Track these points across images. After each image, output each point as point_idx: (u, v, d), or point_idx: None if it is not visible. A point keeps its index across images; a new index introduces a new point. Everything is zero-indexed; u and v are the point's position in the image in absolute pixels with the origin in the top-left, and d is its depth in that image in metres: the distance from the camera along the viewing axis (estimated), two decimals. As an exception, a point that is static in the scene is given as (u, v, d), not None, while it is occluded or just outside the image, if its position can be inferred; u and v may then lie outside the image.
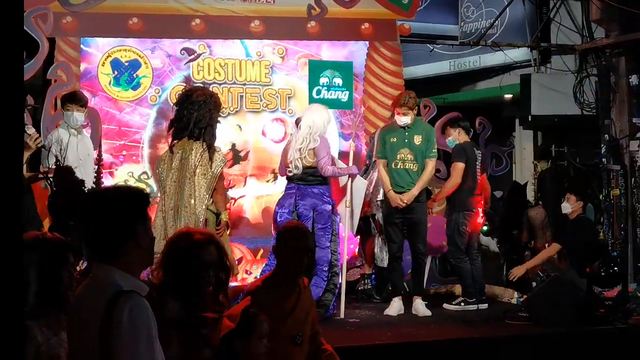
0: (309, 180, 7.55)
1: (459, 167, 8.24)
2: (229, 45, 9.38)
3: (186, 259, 3.73)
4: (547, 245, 9.11)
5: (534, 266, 8.62)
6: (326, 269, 7.47)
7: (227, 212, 7.17)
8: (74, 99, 7.68)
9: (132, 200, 2.83)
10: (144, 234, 2.81)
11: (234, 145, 9.34)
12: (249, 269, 9.03)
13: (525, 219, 10.23)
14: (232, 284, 8.83)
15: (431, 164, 7.84)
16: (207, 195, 6.97)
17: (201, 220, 6.92)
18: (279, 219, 7.57)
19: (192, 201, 6.93)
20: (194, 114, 7.03)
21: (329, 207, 7.57)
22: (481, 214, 8.60)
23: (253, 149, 9.40)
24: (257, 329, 3.73)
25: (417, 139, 7.81)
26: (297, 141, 7.58)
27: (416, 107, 7.93)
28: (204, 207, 6.95)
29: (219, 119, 7.29)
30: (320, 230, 7.49)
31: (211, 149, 7.03)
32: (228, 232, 7.37)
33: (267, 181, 9.37)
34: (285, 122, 9.50)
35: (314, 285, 7.22)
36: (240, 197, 9.28)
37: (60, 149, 7.34)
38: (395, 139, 7.85)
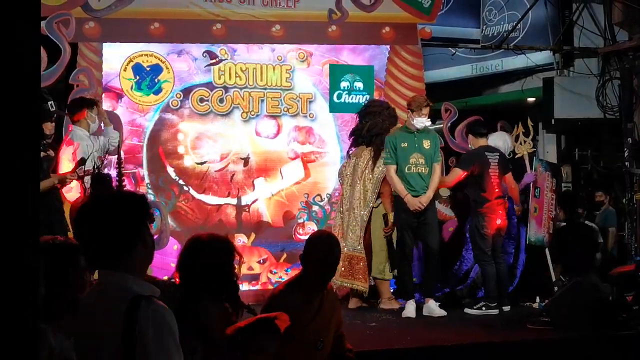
0: None
1: (455, 172, 8.44)
2: (255, 51, 9.31)
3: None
4: None
5: None
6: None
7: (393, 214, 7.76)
8: (92, 104, 7.98)
9: (137, 204, 2.86)
10: (148, 236, 2.84)
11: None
12: (272, 269, 9.02)
13: None
14: (254, 287, 8.86)
15: (439, 168, 8.14)
16: (372, 198, 7.67)
17: (365, 221, 7.65)
18: None
19: (359, 203, 7.66)
20: (368, 123, 7.79)
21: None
22: (500, 217, 8.49)
23: (252, 151, 9.19)
24: (259, 343, 3.54)
25: (426, 144, 8.07)
26: None
27: None
28: (368, 209, 7.66)
29: None
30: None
31: (377, 154, 7.69)
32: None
33: (274, 178, 9.19)
34: (277, 117, 9.30)
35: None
36: (253, 202, 9.15)
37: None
38: (406, 144, 8.03)
